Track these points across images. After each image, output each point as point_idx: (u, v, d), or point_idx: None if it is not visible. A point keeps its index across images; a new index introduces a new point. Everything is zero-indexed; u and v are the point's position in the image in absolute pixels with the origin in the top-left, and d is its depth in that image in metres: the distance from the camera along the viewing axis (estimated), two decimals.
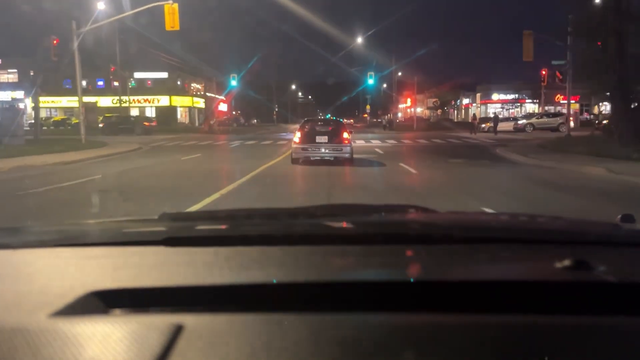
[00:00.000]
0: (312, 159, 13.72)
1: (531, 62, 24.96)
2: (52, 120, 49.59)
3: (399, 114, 71.88)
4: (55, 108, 54.71)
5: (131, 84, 48.44)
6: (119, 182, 10.61)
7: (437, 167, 13.40)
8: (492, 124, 35.46)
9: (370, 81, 39.59)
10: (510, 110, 57.52)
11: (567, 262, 0.96)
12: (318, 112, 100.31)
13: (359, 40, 44.32)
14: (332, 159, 13.67)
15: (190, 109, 60.68)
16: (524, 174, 11.70)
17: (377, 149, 20.27)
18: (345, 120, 23.04)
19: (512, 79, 59.13)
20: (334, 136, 13.82)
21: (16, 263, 1.14)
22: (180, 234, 1.26)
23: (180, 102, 57.77)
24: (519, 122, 38.73)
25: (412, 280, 0.98)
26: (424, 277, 1.01)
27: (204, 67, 59.87)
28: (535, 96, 54.73)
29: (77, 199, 8.36)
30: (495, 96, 61.08)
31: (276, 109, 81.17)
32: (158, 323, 0.75)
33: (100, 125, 34.94)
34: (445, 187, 9.81)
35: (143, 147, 21.52)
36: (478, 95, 63.30)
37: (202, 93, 64.51)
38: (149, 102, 54.95)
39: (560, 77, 26.83)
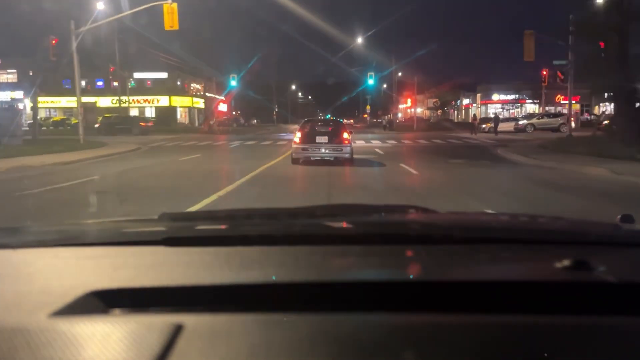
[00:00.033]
0: (312, 159, 13.75)
1: (531, 62, 24.90)
2: (51, 120, 49.59)
3: (399, 114, 71.89)
4: (55, 108, 54.72)
5: (131, 84, 48.42)
6: (116, 183, 10.53)
7: (437, 168, 13.38)
8: (492, 125, 35.43)
9: (370, 81, 39.61)
10: (511, 111, 57.55)
11: (567, 263, 0.96)
12: (318, 112, 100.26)
13: (359, 40, 44.36)
14: (332, 159, 13.70)
15: (190, 109, 60.70)
16: (526, 174, 11.66)
17: (377, 150, 20.26)
18: (345, 121, 23.04)
19: (512, 79, 59.16)
20: (334, 136, 13.86)
21: (16, 263, 1.14)
22: (180, 234, 1.26)
23: (180, 103, 57.78)
24: (520, 122, 38.70)
25: (412, 280, 0.98)
26: (424, 277, 1.01)
27: (203, 67, 59.91)
28: (535, 96, 54.73)
29: (74, 200, 8.25)
30: (495, 96, 61.10)
31: (276, 109, 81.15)
32: (158, 323, 0.75)
33: (96, 125, 34.58)
34: (446, 188, 9.76)
35: (142, 147, 21.46)
36: (478, 95, 63.32)
37: (202, 93, 64.53)
38: (149, 102, 54.96)
39: (562, 77, 26.73)
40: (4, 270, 1.09)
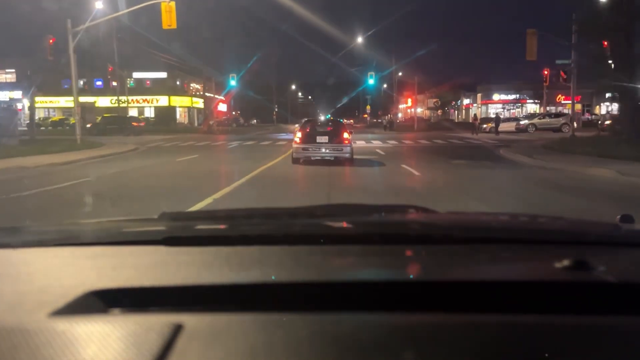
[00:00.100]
0: (312, 158, 13.78)
1: (532, 62, 24.90)
2: (50, 120, 49.52)
3: (399, 115, 71.91)
4: (54, 108, 54.70)
5: (130, 84, 48.42)
6: (109, 185, 10.24)
7: (440, 169, 13.30)
8: (493, 125, 35.39)
9: (371, 81, 39.61)
10: (511, 111, 57.55)
11: (567, 262, 0.96)
12: (318, 112, 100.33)
13: (359, 40, 44.39)
14: (333, 159, 13.75)
15: (190, 109, 60.70)
16: (531, 176, 11.52)
17: (378, 150, 20.22)
18: (345, 121, 23.03)
19: (513, 79, 59.22)
20: (335, 136, 13.91)
21: (15, 262, 1.14)
22: (179, 234, 1.26)
23: (180, 102, 57.78)
24: (521, 122, 38.64)
25: (412, 279, 0.98)
26: (424, 277, 1.01)
27: (203, 67, 59.98)
28: (536, 96, 54.72)
29: (64, 203, 7.92)
30: (496, 96, 61.12)
31: (276, 109, 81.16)
32: (157, 322, 0.75)
33: (88, 125, 33.69)
34: (450, 190, 9.61)
35: (139, 147, 21.35)
36: (479, 95, 63.33)
37: (201, 93, 64.52)
38: (148, 102, 54.95)
39: (565, 77, 26.62)
40: (3, 270, 1.09)
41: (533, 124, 37.17)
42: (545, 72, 31.36)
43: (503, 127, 35.79)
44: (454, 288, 0.93)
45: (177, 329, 0.73)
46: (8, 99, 51.26)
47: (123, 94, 43.58)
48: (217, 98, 64.95)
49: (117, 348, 0.68)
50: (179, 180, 10.86)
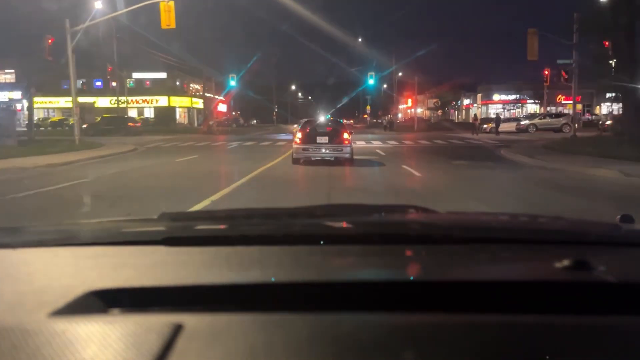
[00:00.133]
0: (312, 159, 13.79)
1: (532, 62, 24.86)
2: (49, 120, 49.43)
3: (399, 115, 71.90)
4: (53, 108, 54.65)
5: (129, 84, 48.40)
6: (109, 186, 10.14)
7: (441, 169, 13.27)
8: (493, 125, 35.39)
9: (371, 81, 39.64)
10: (512, 111, 57.54)
11: (567, 262, 0.96)
12: (318, 112, 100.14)
13: (359, 40, 44.48)
14: (333, 159, 13.75)
15: (189, 109, 60.69)
16: (532, 176, 11.49)
17: (378, 150, 20.20)
18: (345, 121, 23.03)
19: (513, 79, 59.23)
20: (335, 137, 13.92)
21: (15, 262, 1.14)
22: (179, 234, 1.26)
23: (179, 103, 57.77)
24: (522, 122, 38.62)
25: (412, 280, 0.98)
26: (424, 277, 1.01)
27: (203, 67, 60.03)
28: (536, 96, 54.71)
29: (63, 204, 7.88)
30: (496, 96, 61.12)
31: (276, 110, 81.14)
32: (157, 323, 0.75)
33: (84, 126, 33.60)
34: (452, 191, 9.54)
35: (139, 148, 21.31)
36: (479, 95, 63.34)
37: (201, 93, 64.50)
38: (148, 102, 54.94)
39: (566, 77, 26.55)
40: (3, 270, 1.09)
41: (534, 124, 37.15)
42: (546, 72, 31.31)
43: (503, 127, 35.80)
44: (454, 288, 0.93)
45: (177, 329, 0.73)
46: (7, 100, 51.27)
47: (122, 95, 43.56)
48: (216, 98, 64.95)
49: (117, 348, 0.68)
50: (179, 181, 10.81)
